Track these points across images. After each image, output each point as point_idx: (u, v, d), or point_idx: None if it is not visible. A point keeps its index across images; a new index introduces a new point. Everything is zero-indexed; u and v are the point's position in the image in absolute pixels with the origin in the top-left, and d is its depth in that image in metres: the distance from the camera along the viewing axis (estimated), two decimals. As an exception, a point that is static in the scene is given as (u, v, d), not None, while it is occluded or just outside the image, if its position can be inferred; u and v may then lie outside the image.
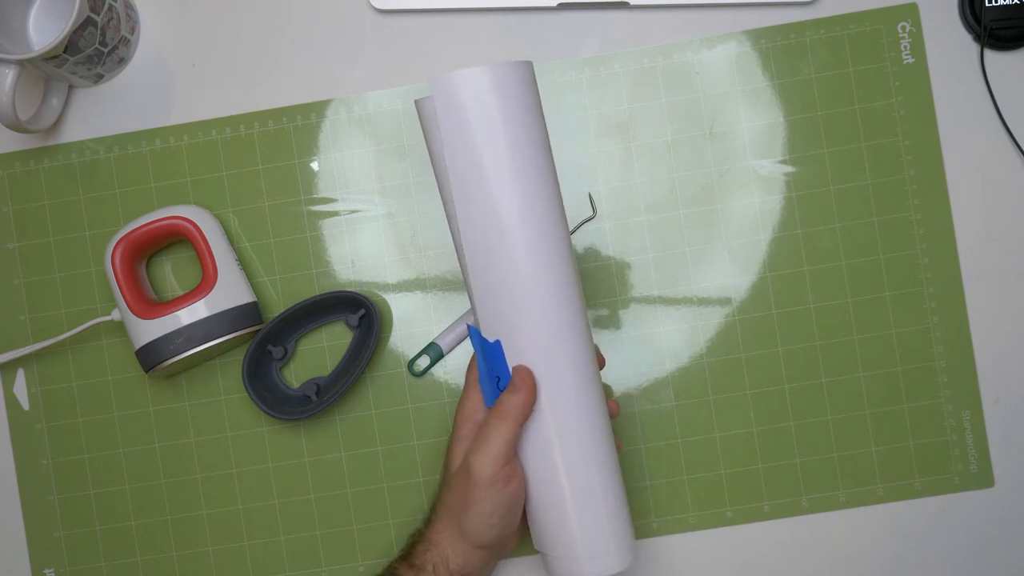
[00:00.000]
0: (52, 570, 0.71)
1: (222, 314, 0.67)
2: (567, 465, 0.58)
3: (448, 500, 0.60)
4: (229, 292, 0.67)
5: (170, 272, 0.71)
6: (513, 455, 0.58)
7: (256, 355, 0.69)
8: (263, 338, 0.69)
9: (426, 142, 0.57)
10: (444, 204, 0.58)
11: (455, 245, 0.58)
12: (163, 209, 0.69)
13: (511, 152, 0.55)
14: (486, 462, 0.57)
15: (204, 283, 0.67)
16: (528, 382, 0.57)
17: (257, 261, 0.71)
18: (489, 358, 0.58)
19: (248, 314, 0.68)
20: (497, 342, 0.57)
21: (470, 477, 0.58)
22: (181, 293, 0.70)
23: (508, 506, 0.58)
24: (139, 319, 0.66)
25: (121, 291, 0.67)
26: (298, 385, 0.70)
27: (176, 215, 0.68)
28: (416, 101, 0.56)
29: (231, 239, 0.70)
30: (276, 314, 0.70)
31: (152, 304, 0.67)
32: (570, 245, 0.58)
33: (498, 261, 0.56)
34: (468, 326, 0.59)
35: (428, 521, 0.62)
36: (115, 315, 0.68)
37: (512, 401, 0.57)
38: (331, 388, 0.69)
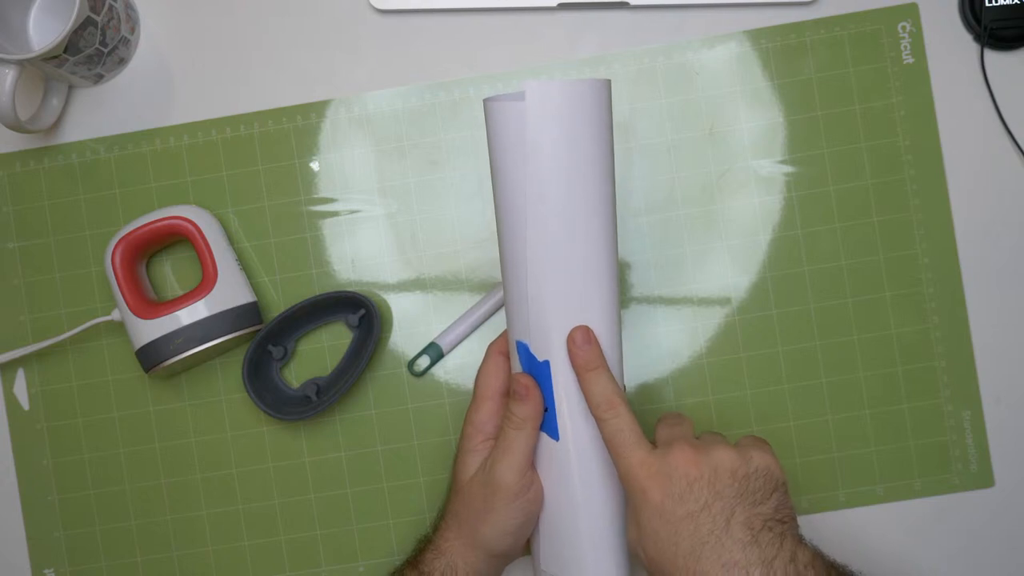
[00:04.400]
0: (52, 570, 0.71)
1: (222, 314, 0.67)
2: (584, 489, 0.58)
3: (460, 509, 0.60)
4: (229, 292, 0.67)
5: (170, 272, 0.71)
6: (532, 463, 0.58)
7: (256, 355, 0.69)
8: (263, 338, 0.69)
9: (492, 142, 0.56)
10: (501, 211, 0.56)
11: (506, 255, 0.57)
12: (163, 209, 0.69)
13: (598, 162, 0.55)
14: (510, 471, 0.57)
15: (204, 283, 0.67)
16: (532, 389, 0.57)
17: (257, 261, 0.71)
18: (535, 377, 0.58)
19: (248, 314, 0.68)
20: (545, 363, 0.57)
21: (493, 487, 0.57)
22: (181, 293, 0.70)
23: (528, 513, 0.58)
24: (139, 319, 0.66)
25: (121, 291, 0.67)
26: (298, 385, 0.70)
27: (176, 215, 0.68)
28: (486, 101, 0.56)
29: (231, 239, 0.70)
30: (276, 314, 0.70)
31: (152, 304, 0.67)
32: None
33: (563, 274, 0.55)
34: (517, 342, 0.58)
35: (436, 528, 0.62)
36: (115, 315, 0.68)
37: (525, 411, 0.57)
38: (331, 388, 0.69)
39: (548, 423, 0.58)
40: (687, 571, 0.51)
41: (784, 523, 0.53)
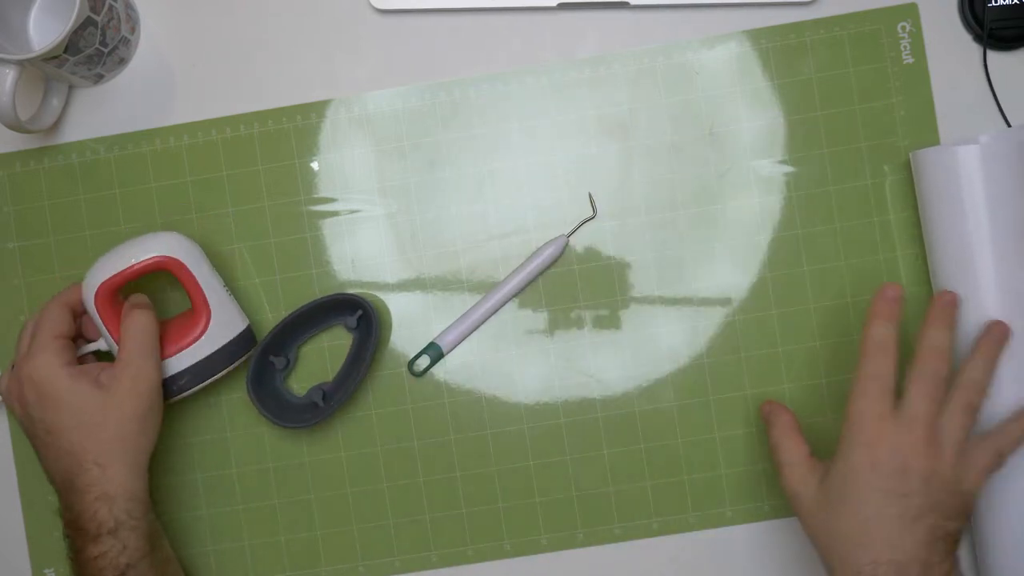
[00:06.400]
0: (52, 570, 0.71)
1: (222, 348, 0.66)
2: None
3: None
4: (225, 325, 0.66)
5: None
6: None
7: (259, 368, 0.68)
8: (263, 351, 0.68)
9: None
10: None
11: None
12: (139, 241, 0.65)
13: None
14: None
15: (198, 319, 0.65)
16: None
17: (257, 261, 0.71)
18: None
19: (245, 340, 0.67)
20: None
21: None
22: (168, 316, 0.68)
23: None
24: None
25: (112, 335, 0.65)
26: (304, 392, 0.70)
27: (161, 255, 0.64)
28: (919, 154, 0.64)
29: (231, 238, 0.70)
30: (277, 315, 0.70)
31: None
32: None
33: None
34: None
35: None
36: (101, 344, 0.66)
37: None
38: (336, 392, 0.69)
39: None
40: (856, 536, 0.56)
41: (956, 542, 0.57)
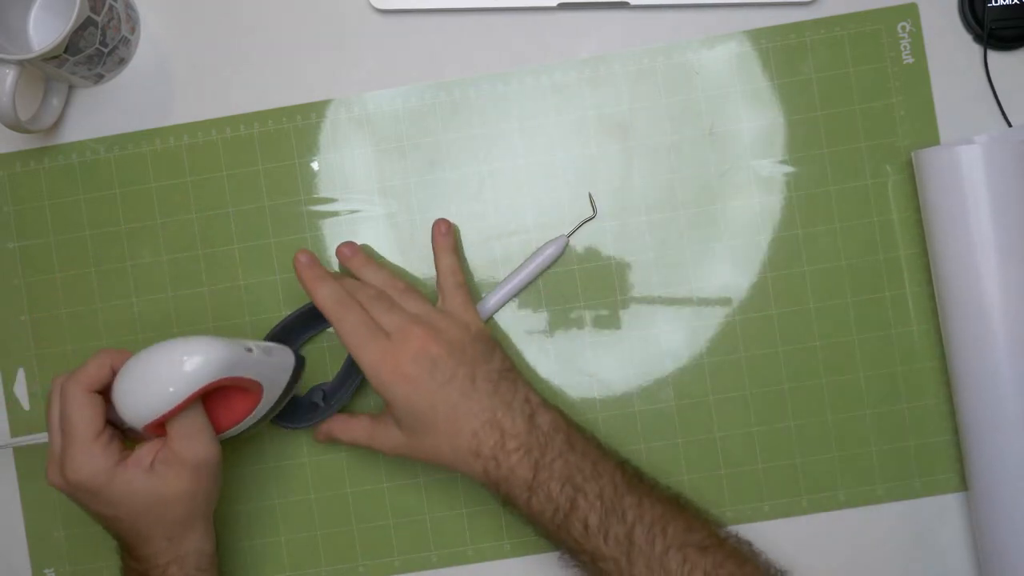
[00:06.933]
0: (52, 570, 0.71)
1: (283, 392, 0.65)
2: None
3: None
4: (275, 376, 0.64)
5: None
6: None
7: None
8: None
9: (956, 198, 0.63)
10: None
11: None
12: (178, 361, 0.58)
13: None
14: None
15: (252, 393, 0.63)
16: None
17: (257, 261, 0.71)
18: None
19: (298, 370, 0.65)
20: None
21: None
22: None
23: None
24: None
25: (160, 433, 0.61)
26: (304, 392, 0.70)
27: (213, 381, 0.59)
28: (921, 154, 0.64)
29: (231, 238, 0.70)
30: (277, 315, 0.70)
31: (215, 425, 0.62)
32: None
33: None
34: None
35: None
36: None
37: None
38: (336, 392, 0.69)
39: None
40: (447, 432, 0.61)
41: (511, 371, 0.63)
